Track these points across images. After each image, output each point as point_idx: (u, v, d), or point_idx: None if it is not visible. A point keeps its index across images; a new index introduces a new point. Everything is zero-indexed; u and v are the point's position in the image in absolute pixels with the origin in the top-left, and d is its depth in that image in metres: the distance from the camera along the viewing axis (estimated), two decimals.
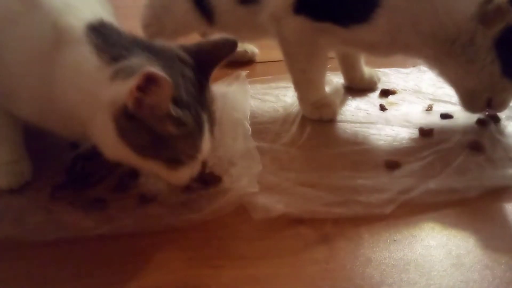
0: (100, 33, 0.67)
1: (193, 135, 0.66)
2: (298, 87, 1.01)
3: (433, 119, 0.99)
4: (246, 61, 1.24)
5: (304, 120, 0.99)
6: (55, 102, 0.68)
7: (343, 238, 0.70)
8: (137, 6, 1.11)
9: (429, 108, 1.03)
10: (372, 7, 0.85)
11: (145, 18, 1.07)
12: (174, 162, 0.67)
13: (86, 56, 0.65)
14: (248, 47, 1.25)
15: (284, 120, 0.99)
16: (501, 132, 0.93)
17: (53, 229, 0.70)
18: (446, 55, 0.88)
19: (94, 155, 0.82)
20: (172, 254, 0.68)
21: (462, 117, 0.98)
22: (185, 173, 0.69)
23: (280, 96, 1.08)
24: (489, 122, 0.95)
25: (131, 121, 0.63)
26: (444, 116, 0.97)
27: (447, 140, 0.91)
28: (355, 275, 0.64)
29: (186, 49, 0.71)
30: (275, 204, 0.73)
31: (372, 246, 0.69)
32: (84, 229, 0.70)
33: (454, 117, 0.98)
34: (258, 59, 1.26)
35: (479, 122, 0.95)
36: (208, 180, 0.80)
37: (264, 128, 0.96)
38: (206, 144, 0.69)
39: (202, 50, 0.72)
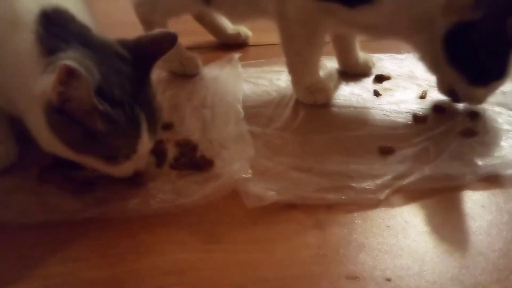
0: (49, 22, 0.66)
1: (127, 133, 0.65)
2: (293, 70, 0.99)
3: (427, 105, 0.98)
4: (239, 44, 1.22)
5: (298, 104, 0.97)
6: (6, 89, 0.67)
7: (336, 223, 0.69)
8: None
9: (424, 95, 1.02)
10: None
11: (135, 3, 1.04)
12: (109, 158, 0.67)
13: (28, 46, 0.64)
14: (241, 29, 1.23)
15: (278, 104, 0.98)
16: (493, 119, 0.92)
17: (40, 212, 0.69)
18: (419, 42, 0.91)
19: None
20: (163, 238, 0.66)
21: (455, 105, 0.97)
22: (127, 167, 0.69)
23: (273, 80, 1.06)
24: (482, 112, 0.95)
25: (60, 115, 0.62)
26: (437, 108, 0.96)
27: (441, 126, 0.90)
28: (348, 260, 0.64)
29: (125, 44, 0.70)
30: (267, 191, 0.72)
31: (366, 231, 0.68)
32: (72, 212, 0.69)
33: (446, 108, 0.97)
34: (251, 42, 1.24)
35: (471, 114, 0.95)
36: (199, 164, 0.79)
37: (257, 112, 0.94)
38: (144, 143, 0.68)
39: (141, 45, 0.70)
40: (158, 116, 0.71)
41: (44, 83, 0.61)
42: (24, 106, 0.66)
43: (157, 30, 0.72)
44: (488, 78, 0.88)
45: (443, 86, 0.95)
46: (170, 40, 0.71)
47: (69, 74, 0.58)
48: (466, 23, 0.83)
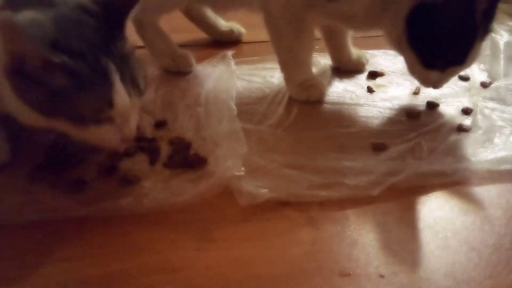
0: None
1: (94, 85, 0.61)
2: (285, 67, 0.99)
3: (420, 102, 0.98)
4: (233, 41, 1.22)
5: (291, 101, 0.97)
6: None
7: (329, 220, 0.69)
8: None
9: (417, 91, 1.02)
10: None
11: None
12: (80, 119, 0.63)
13: None
14: (234, 26, 1.23)
15: (271, 101, 0.97)
16: (487, 115, 0.92)
17: (32, 211, 0.68)
18: (389, 21, 0.89)
19: None
20: (156, 236, 0.66)
21: (449, 102, 0.98)
22: (108, 133, 0.65)
23: (267, 77, 1.06)
24: (475, 108, 0.94)
25: (22, 78, 0.60)
26: (430, 105, 0.96)
27: (434, 123, 0.90)
28: (341, 257, 0.64)
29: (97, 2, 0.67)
30: (260, 189, 0.72)
31: (359, 228, 0.68)
32: (65, 210, 0.68)
33: (440, 105, 0.97)
34: (244, 39, 1.23)
35: (464, 111, 0.94)
36: (192, 162, 0.78)
37: (250, 109, 0.94)
38: (120, 96, 0.64)
39: (110, 4, 0.67)
40: (136, 69, 0.67)
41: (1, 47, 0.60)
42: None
43: None
44: (446, 63, 0.86)
45: (409, 68, 0.92)
46: None
47: (10, 30, 0.56)
48: (428, 4, 0.81)
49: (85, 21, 0.64)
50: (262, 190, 0.72)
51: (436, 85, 0.90)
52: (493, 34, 1.18)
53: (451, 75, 0.89)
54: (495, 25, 1.20)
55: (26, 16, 0.59)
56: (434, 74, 0.88)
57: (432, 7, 0.81)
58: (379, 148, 0.83)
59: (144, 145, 0.82)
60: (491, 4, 0.82)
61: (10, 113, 0.67)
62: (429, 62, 0.86)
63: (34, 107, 0.62)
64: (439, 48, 0.83)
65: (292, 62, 0.98)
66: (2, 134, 0.77)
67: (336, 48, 1.10)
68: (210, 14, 1.19)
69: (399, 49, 0.91)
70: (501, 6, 1.40)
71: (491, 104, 0.96)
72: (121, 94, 0.64)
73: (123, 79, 0.64)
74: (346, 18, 0.92)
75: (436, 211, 0.71)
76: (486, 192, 0.75)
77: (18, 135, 0.79)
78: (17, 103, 0.62)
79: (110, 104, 0.63)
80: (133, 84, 0.66)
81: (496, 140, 0.85)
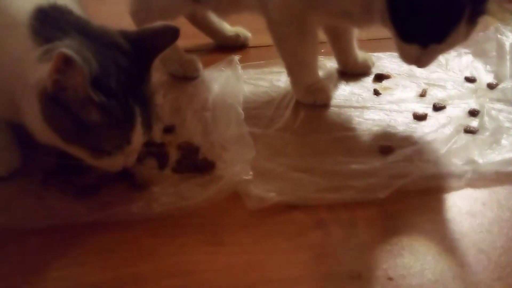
0: (45, 16, 0.66)
1: (120, 125, 0.65)
2: (291, 71, 0.99)
3: (427, 104, 0.98)
4: (239, 46, 1.22)
5: (298, 105, 0.98)
6: (8, 92, 0.67)
7: (338, 223, 0.70)
8: None
9: (423, 93, 1.02)
10: None
11: (132, 4, 1.05)
12: (98, 151, 0.66)
13: (22, 39, 0.65)
14: (240, 31, 1.23)
15: (278, 105, 0.98)
16: (494, 116, 0.92)
17: (44, 216, 0.69)
18: None
19: None
20: (166, 240, 0.67)
21: (455, 104, 0.98)
22: (116, 162, 0.69)
23: (273, 81, 1.07)
24: (482, 110, 0.94)
25: (55, 104, 0.62)
26: (437, 107, 0.96)
27: (441, 125, 0.91)
28: (349, 260, 0.64)
29: (126, 35, 0.70)
30: (268, 192, 0.72)
31: (367, 231, 0.68)
32: (76, 216, 0.69)
33: (446, 107, 0.97)
34: (251, 43, 1.24)
35: (471, 112, 0.94)
36: (201, 166, 0.79)
37: (257, 113, 0.95)
38: (137, 136, 0.68)
39: (143, 38, 0.70)
40: (153, 112, 0.70)
41: (40, 71, 0.62)
42: (20, 98, 0.66)
43: (159, 23, 0.71)
44: (424, 38, 0.81)
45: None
46: (172, 33, 0.71)
47: (65, 62, 0.58)
48: None
49: (120, 60, 0.66)
50: (270, 194, 0.72)
51: (418, 62, 0.86)
52: (498, 35, 1.18)
53: (433, 53, 0.84)
54: (501, 26, 1.21)
55: (75, 48, 0.61)
56: (414, 50, 0.83)
57: None
58: (386, 150, 0.83)
59: (153, 150, 0.82)
60: None
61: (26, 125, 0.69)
62: (406, 35, 0.82)
63: (59, 133, 0.64)
64: (418, 21, 0.79)
65: (297, 65, 0.98)
66: (14, 141, 0.78)
67: (342, 51, 1.10)
68: (215, 19, 1.20)
69: (384, 23, 0.86)
70: (508, 7, 1.40)
71: (498, 106, 0.96)
72: (139, 134, 0.68)
73: (142, 120, 0.67)
74: (345, 14, 0.91)
75: (444, 214, 0.72)
76: (494, 194, 0.75)
77: (29, 142, 0.80)
78: (39, 123, 0.64)
79: (128, 142, 0.67)
80: (148, 124, 0.69)
81: (503, 141, 0.85)
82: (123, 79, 0.65)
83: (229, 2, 1.01)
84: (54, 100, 0.62)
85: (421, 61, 0.86)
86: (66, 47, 0.60)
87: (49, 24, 0.65)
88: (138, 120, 0.67)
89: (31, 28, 0.65)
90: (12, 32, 0.65)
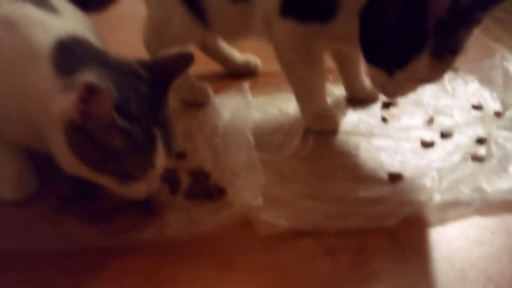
0: (65, 48, 0.68)
1: (143, 148, 0.67)
2: (299, 98, 1.01)
3: (434, 131, 0.99)
4: (249, 73, 1.25)
5: (307, 131, 0.99)
6: (30, 121, 0.69)
7: (347, 250, 0.71)
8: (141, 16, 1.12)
9: (430, 120, 1.03)
10: None
11: (145, 34, 1.08)
12: (125, 176, 0.68)
13: (44, 71, 0.67)
14: (250, 58, 1.26)
15: (287, 131, 1.00)
16: (501, 144, 0.93)
17: (58, 241, 0.71)
18: None
19: None
20: (178, 266, 0.68)
21: (463, 131, 0.99)
22: (140, 187, 0.70)
23: (282, 108, 1.09)
24: (490, 137, 0.95)
25: (80, 133, 0.64)
26: (444, 134, 0.97)
27: (448, 152, 0.92)
28: (359, 287, 0.65)
29: (143, 64, 0.72)
30: (279, 219, 0.73)
31: (376, 258, 0.69)
32: (90, 240, 0.71)
33: (453, 134, 0.98)
34: (260, 70, 1.26)
35: (478, 140, 0.95)
36: (212, 192, 0.80)
37: (267, 139, 0.96)
38: (160, 159, 0.69)
39: (159, 65, 0.73)
40: (173, 135, 0.73)
41: (63, 102, 0.64)
42: (45, 128, 0.68)
43: (174, 50, 0.74)
44: (386, 63, 0.81)
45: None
46: (186, 59, 0.74)
47: (91, 91, 0.60)
48: None
49: (139, 87, 0.68)
50: (280, 221, 0.73)
51: (385, 90, 0.86)
52: (504, 63, 1.20)
53: (399, 83, 0.83)
54: (507, 54, 1.23)
55: (95, 78, 0.64)
56: (380, 75, 0.83)
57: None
58: (394, 178, 0.84)
59: (165, 176, 0.84)
60: (451, 17, 0.75)
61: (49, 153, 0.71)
62: (370, 57, 0.83)
63: (85, 161, 0.65)
64: (379, 44, 0.81)
65: (305, 93, 1.00)
66: (31, 166, 0.80)
67: (350, 79, 1.12)
68: (225, 47, 1.23)
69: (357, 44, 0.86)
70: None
71: (505, 133, 0.96)
72: (161, 157, 0.70)
73: (163, 144, 0.69)
74: (344, 39, 0.92)
75: (452, 242, 0.72)
76: (502, 222, 0.76)
77: (45, 167, 0.82)
78: (65, 154, 0.66)
79: (152, 165, 0.69)
80: (169, 147, 0.71)
81: (510, 169, 0.86)
82: (143, 105, 0.68)
83: (237, 28, 1.03)
84: (79, 130, 0.64)
85: (388, 90, 0.86)
86: (89, 77, 0.62)
87: (69, 56, 0.67)
88: (160, 143, 0.69)
89: (52, 60, 0.67)
90: (35, 63, 0.68)
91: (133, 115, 0.66)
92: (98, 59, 0.69)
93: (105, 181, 0.68)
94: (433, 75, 0.82)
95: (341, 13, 0.87)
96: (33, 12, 0.71)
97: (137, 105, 0.67)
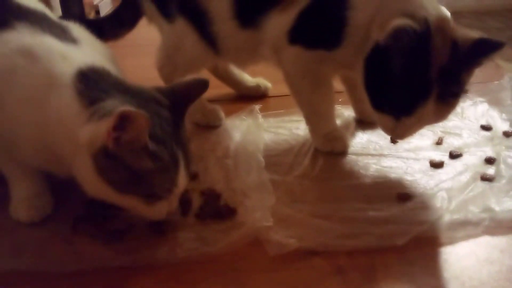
0: (86, 78, 0.71)
1: (169, 169, 0.70)
2: (309, 120, 1.03)
3: (443, 152, 1.00)
4: (260, 96, 1.27)
5: (317, 152, 1.01)
6: (50, 145, 0.72)
7: (357, 269, 0.71)
8: (155, 42, 1.15)
9: (440, 141, 1.04)
10: (343, 26, 0.88)
11: (158, 60, 1.12)
12: (151, 197, 0.70)
13: (68, 100, 0.69)
14: (260, 81, 1.29)
15: (297, 152, 1.01)
16: (511, 164, 0.94)
17: (73, 261, 0.72)
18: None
19: None
20: (189, 285, 0.69)
21: (472, 151, 0.99)
22: (162, 208, 0.73)
23: (292, 129, 1.10)
24: (499, 157, 0.96)
25: (109, 159, 0.66)
26: (453, 155, 0.98)
27: (458, 172, 0.92)
28: None
29: (161, 91, 0.75)
30: (289, 239, 0.74)
31: (386, 277, 0.69)
32: (104, 260, 0.72)
33: (463, 154, 0.99)
34: (271, 93, 1.29)
35: (487, 160, 0.96)
36: (223, 212, 0.82)
37: (277, 160, 0.98)
38: (182, 178, 0.73)
39: (176, 91, 0.76)
40: (190, 156, 0.76)
41: (90, 131, 0.66)
42: (70, 156, 0.70)
43: (189, 77, 0.78)
44: (393, 110, 0.85)
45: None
46: (202, 85, 0.78)
47: (125, 118, 0.63)
48: (381, 46, 0.81)
49: (160, 112, 0.72)
50: (291, 240, 0.74)
51: (393, 133, 0.89)
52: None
53: (407, 126, 0.86)
54: None
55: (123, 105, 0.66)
56: (388, 120, 0.86)
57: (385, 48, 0.81)
58: (404, 198, 0.85)
59: None
60: (453, 64, 0.79)
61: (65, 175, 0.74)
62: (377, 104, 0.86)
63: (113, 185, 0.68)
64: (386, 92, 0.84)
65: (314, 115, 1.02)
66: (47, 188, 0.83)
67: (359, 100, 1.14)
68: (236, 71, 1.26)
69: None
70: None
71: None
72: (183, 176, 0.73)
73: (184, 163, 0.73)
74: (350, 66, 0.94)
75: (462, 261, 0.72)
76: (511, 241, 0.76)
77: (60, 189, 0.85)
78: (92, 179, 0.68)
79: (176, 185, 0.72)
80: (188, 166, 0.75)
81: None
82: (166, 128, 0.71)
83: (247, 54, 1.06)
84: (108, 156, 0.66)
85: (397, 133, 0.89)
86: (117, 105, 0.65)
87: (91, 86, 0.70)
88: (182, 163, 0.72)
89: (76, 90, 0.69)
90: (56, 93, 0.70)
91: (159, 137, 0.69)
92: (119, 88, 0.72)
93: (130, 202, 0.70)
94: (438, 118, 0.86)
95: (346, 42, 0.89)
96: (53, 43, 0.75)
97: (161, 129, 0.70)
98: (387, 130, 0.90)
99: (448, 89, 0.81)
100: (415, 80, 0.80)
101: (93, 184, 0.69)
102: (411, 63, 0.80)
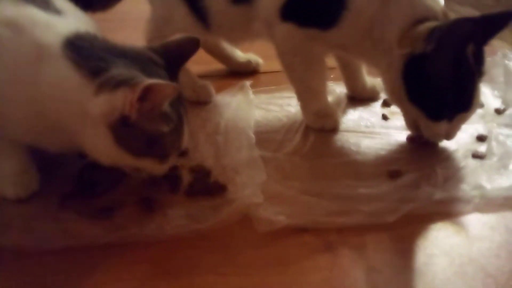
0: (76, 46, 0.69)
1: (178, 129, 0.73)
2: (300, 96, 1.02)
3: None
4: (251, 72, 1.26)
5: (308, 129, 1.00)
6: (45, 119, 0.70)
7: (347, 246, 0.71)
8: (144, 18, 1.13)
9: None
10: (341, 9, 0.87)
11: (148, 32, 1.09)
12: (164, 156, 0.73)
13: (66, 72, 0.68)
14: (251, 57, 1.27)
15: (288, 129, 1.00)
16: (502, 141, 0.93)
17: (60, 238, 0.71)
18: (382, 71, 0.92)
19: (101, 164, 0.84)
20: (178, 262, 0.69)
21: (463, 129, 0.99)
22: (168, 164, 0.76)
23: (284, 106, 1.09)
24: (490, 135, 0.96)
25: (127, 128, 0.67)
26: None
27: (449, 149, 0.92)
28: (358, 283, 0.65)
29: (154, 50, 0.75)
30: (278, 215, 0.74)
31: (376, 254, 0.69)
32: (91, 237, 0.71)
33: None
34: (262, 69, 1.27)
35: (479, 138, 0.96)
36: (212, 189, 0.81)
37: (268, 137, 0.97)
38: (186, 135, 0.76)
39: (169, 50, 0.76)
40: (187, 114, 0.77)
41: (104, 102, 0.66)
42: (76, 128, 0.69)
43: (180, 35, 0.78)
44: (452, 112, 0.85)
45: (408, 122, 0.93)
46: (193, 43, 0.78)
47: (150, 90, 0.64)
48: (419, 56, 0.82)
49: (159, 73, 0.72)
50: (280, 217, 0.74)
51: (448, 136, 0.89)
52: (506, 61, 1.20)
53: (460, 123, 0.88)
54: (508, 52, 1.23)
55: (128, 72, 0.68)
56: (443, 125, 0.87)
57: (424, 58, 0.82)
58: (394, 175, 0.84)
59: (166, 173, 0.85)
60: (478, 46, 0.83)
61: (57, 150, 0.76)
62: (436, 114, 0.86)
63: (131, 150, 0.69)
64: (443, 97, 0.84)
65: (306, 92, 1.01)
66: (33, 164, 0.81)
67: (351, 78, 1.13)
68: (227, 46, 1.24)
69: (400, 104, 0.91)
70: None
71: (506, 131, 0.97)
72: (187, 133, 0.76)
73: (186, 119, 0.75)
74: (343, 47, 0.95)
75: (452, 238, 0.72)
76: (502, 218, 0.76)
77: (47, 166, 0.83)
78: (108, 148, 0.68)
79: (183, 142, 0.75)
80: (188, 124, 0.77)
81: (511, 166, 0.86)
82: None
83: (240, 31, 1.04)
84: (126, 124, 0.67)
85: (451, 134, 0.89)
86: (127, 75, 0.66)
87: (86, 55, 0.68)
88: (186, 120, 0.75)
89: (70, 60, 0.68)
90: (49, 64, 0.68)
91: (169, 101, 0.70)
92: (113, 52, 0.70)
93: (144, 163, 0.72)
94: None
95: (343, 24, 0.88)
96: (38, 14, 0.72)
97: None
98: (440, 136, 0.89)
99: (480, 71, 0.84)
100: (464, 74, 0.82)
101: (109, 153, 0.69)
102: (454, 60, 0.81)
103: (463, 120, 0.88)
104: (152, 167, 0.73)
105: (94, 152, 0.71)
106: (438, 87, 0.83)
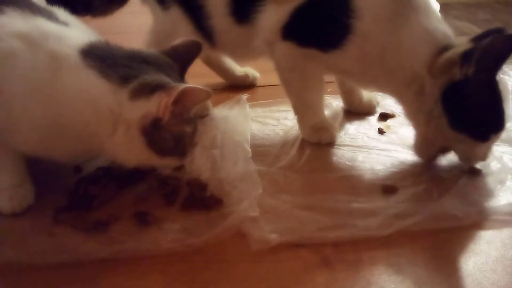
0: (96, 55, 0.71)
1: (195, 129, 0.79)
2: (297, 110, 1.02)
3: None
4: (248, 85, 1.26)
5: (304, 143, 1.00)
6: (62, 128, 0.71)
7: (343, 261, 0.70)
8: (142, 32, 1.13)
9: None
10: (346, 33, 0.87)
11: (148, 44, 1.10)
12: (184, 153, 0.78)
13: (90, 80, 0.69)
14: (249, 71, 1.28)
15: (284, 143, 1.01)
16: (498, 157, 0.93)
17: (55, 252, 0.70)
18: (403, 98, 0.91)
19: (97, 178, 0.84)
20: (173, 277, 0.68)
21: None
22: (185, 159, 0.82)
23: (280, 119, 1.10)
24: None
25: (157, 130, 0.71)
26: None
27: (446, 165, 0.92)
28: None
29: (167, 54, 0.79)
30: (271, 234, 0.73)
31: (372, 269, 0.69)
32: (86, 252, 0.70)
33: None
34: (259, 83, 1.28)
35: None
36: (208, 203, 0.81)
37: (264, 150, 0.97)
38: (198, 133, 0.82)
39: (177, 53, 0.80)
40: None
41: (140, 107, 0.69)
42: (104, 133, 0.71)
43: (183, 38, 0.82)
44: (489, 132, 0.85)
45: (426, 149, 0.91)
46: (197, 47, 0.83)
47: (184, 94, 0.69)
48: (459, 82, 0.82)
49: (175, 76, 0.76)
50: (273, 235, 0.73)
51: (485, 156, 0.88)
52: (501, 75, 1.20)
53: (493, 142, 0.88)
54: (506, 68, 1.24)
55: (158, 77, 0.72)
56: (482, 147, 0.86)
57: (465, 83, 0.81)
58: (389, 190, 0.84)
59: (162, 187, 0.85)
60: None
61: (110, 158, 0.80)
62: (484, 135, 0.85)
63: (160, 151, 0.74)
64: (488, 117, 0.84)
65: (303, 106, 1.02)
66: (29, 178, 0.81)
67: (348, 91, 1.13)
68: (226, 60, 1.25)
69: (434, 131, 0.87)
70: None
71: (503, 147, 0.96)
72: (199, 132, 0.82)
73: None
74: (344, 72, 0.96)
75: (448, 253, 0.72)
76: (498, 233, 0.76)
77: (41, 179, 0.83)
78: (138, 151, 0.72)
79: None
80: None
81: (508, 182, 0.86)
82: None
83: (244, 50, 1.05)
84: (156, 127, 0.71)
85: (487, 154, 0.88)
86: (160, 80, 0.71)
87: (110, 62, 0.71)
88: (196, 121, 0.80)
89: (94, 69, 0.70)
90: (70, 74, 0.70)
91: None
92: (135, 59, 0.73)
93: (167, 162, 0.78)
94: None
95: (347, 48, 0.88)
96: (49, 26, 0.74)
97: None
98: (479, 158, 0.89)
99: None
100: (498, 94, 0.83)
101: (138, 155, 0.73)
102: (490, 82, 0.82)
103: (496, 139, 0.87)
104: (172, 164, 0.80)
105: (122, 155, 0.74)
106: (484, 108, 0.83)
